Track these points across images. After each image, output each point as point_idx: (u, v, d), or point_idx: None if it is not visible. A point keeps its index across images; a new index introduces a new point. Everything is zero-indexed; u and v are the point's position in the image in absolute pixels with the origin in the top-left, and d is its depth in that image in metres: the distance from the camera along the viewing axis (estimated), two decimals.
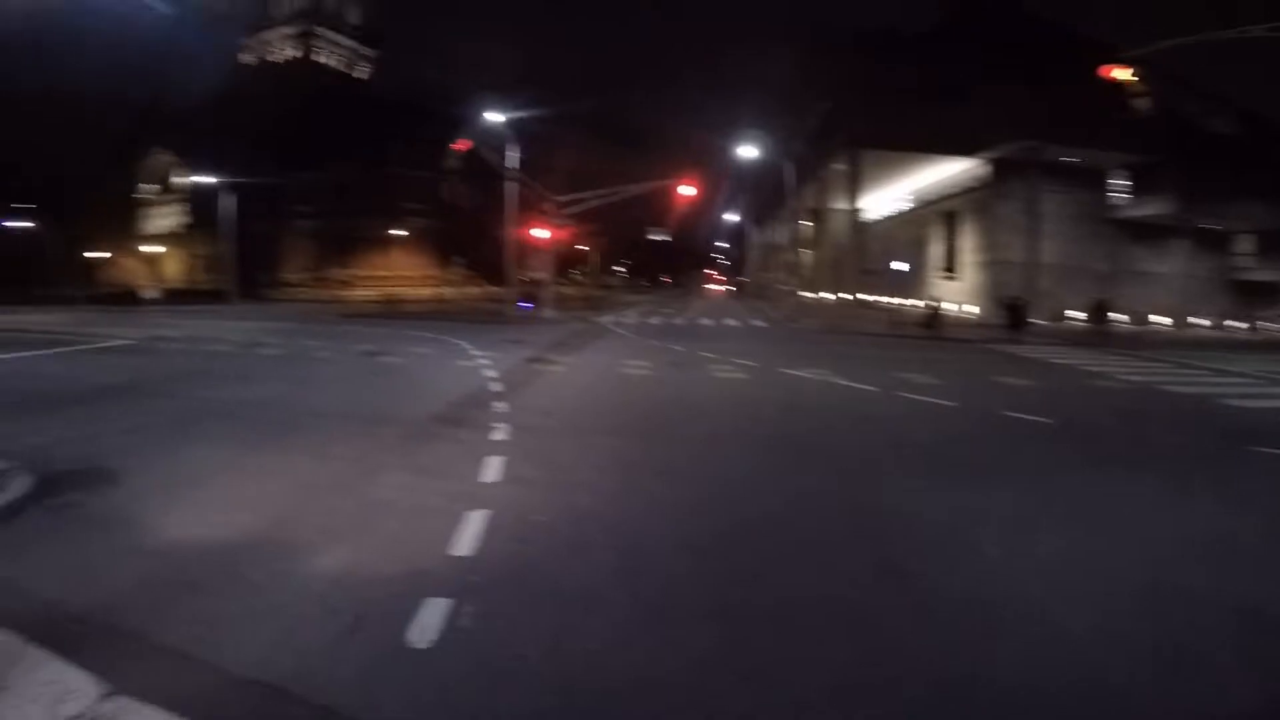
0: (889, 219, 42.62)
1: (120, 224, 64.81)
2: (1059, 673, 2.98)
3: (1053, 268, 28.38)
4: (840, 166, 32.41)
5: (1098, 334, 22.03)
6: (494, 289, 51.66)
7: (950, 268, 34.34)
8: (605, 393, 10.56)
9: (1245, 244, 32.04)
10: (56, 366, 13.96)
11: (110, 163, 64.29)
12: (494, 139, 25.06)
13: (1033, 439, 7.84)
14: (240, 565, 3.98)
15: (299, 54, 68.94)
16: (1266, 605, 3.64)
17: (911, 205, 39.70)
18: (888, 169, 34.29)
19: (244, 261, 59.66)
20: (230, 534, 4.45)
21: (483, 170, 28.83)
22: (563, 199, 27.54)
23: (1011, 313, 19.96)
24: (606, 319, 28.54)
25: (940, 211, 35.58)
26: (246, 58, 70.88)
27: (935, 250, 35.87)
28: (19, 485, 5.18)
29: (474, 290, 55.15)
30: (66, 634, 3.12)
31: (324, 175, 58.24)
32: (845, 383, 11.37)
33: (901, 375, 12.09)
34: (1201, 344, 22.14)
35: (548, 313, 28.37)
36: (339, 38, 73.11)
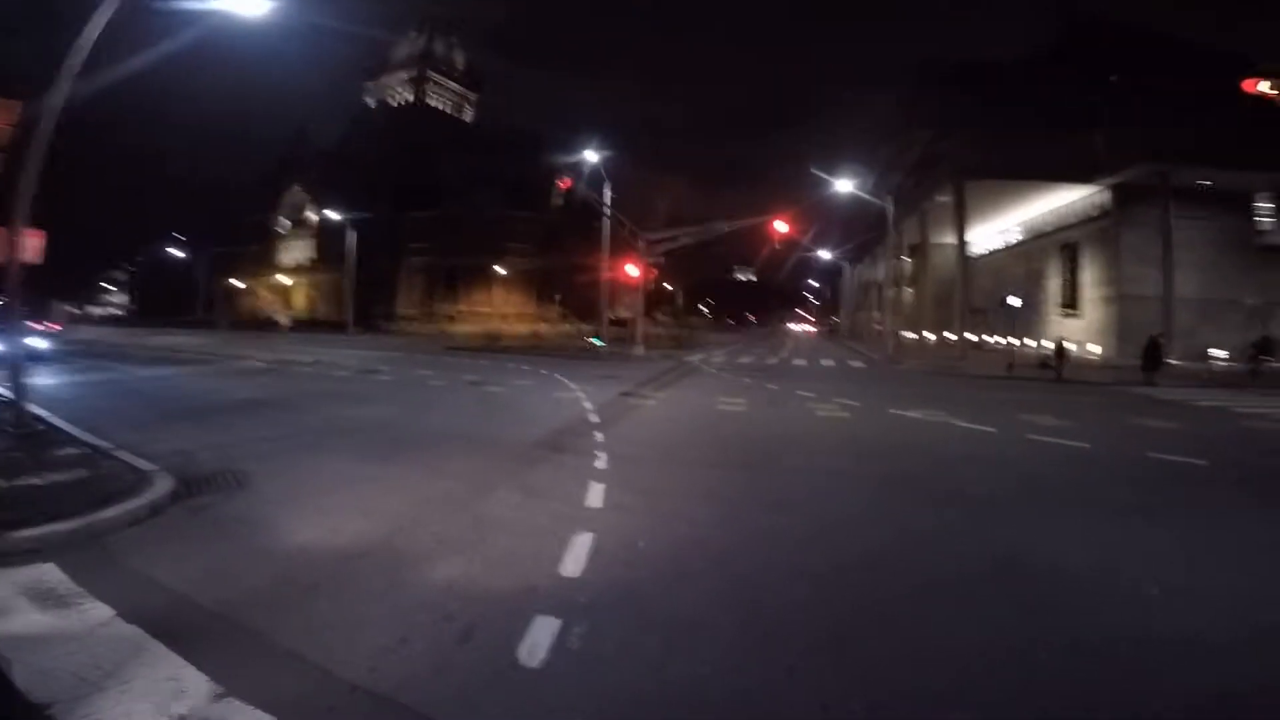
0: (998, 253, 39.86)
1: (258, 256, 72.88)
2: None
3: (1191, 302, 25.35)
4: (944, 199, 30.81)
5: (1249, 374, 19.24)
6: (585, 326, 53.13)
7: (1071, 303, 31.47)
8: (702, 426, 10.40)
9: None
10: (202, 382, 15.75)
11: (253, 199, 73.06)
12: (593, 179, 26.05)
13: (1182, 480, 7.01)
14: (359, 571, 4.16)
15: (412, 97, 75.47)
16: None
17: (1023, 238, 37.05)
18: (995, 200, 32.25)
19: (362, 294, 65.47)
20: (351, 541, 4.70)
21: (580, 209, 29.95)
22: (655, 237, 28.03)
23: (1147, 352, 17.81)
24: (695, 357, 28.43)
25: (1057, 243, 32.92)
26: (369, 101, 78.56)
27: (1052, 285, 33.09)
28: (161, 486, 5.76)
29: (567, 328, 56.94)
30: (191, 631, 3.30)
31: (435, 214, 62.90)
32: (963, 424, 10.50)
33: (1025, 417, 11.07)
34: None
35: (638, 350, 28.67)
36: (447, 81, 79.47)
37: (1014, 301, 22.76)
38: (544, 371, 19.69)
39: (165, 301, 72.26)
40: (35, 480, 5.75)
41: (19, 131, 6.84)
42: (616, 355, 27.47)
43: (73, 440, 7.74)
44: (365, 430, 9.48)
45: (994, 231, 39.55)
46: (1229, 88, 12.39)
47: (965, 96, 28.90)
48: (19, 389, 8.32)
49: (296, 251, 74.01)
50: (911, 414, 11.55)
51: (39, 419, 8.83)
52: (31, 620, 3.32)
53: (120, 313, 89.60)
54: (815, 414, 11.67)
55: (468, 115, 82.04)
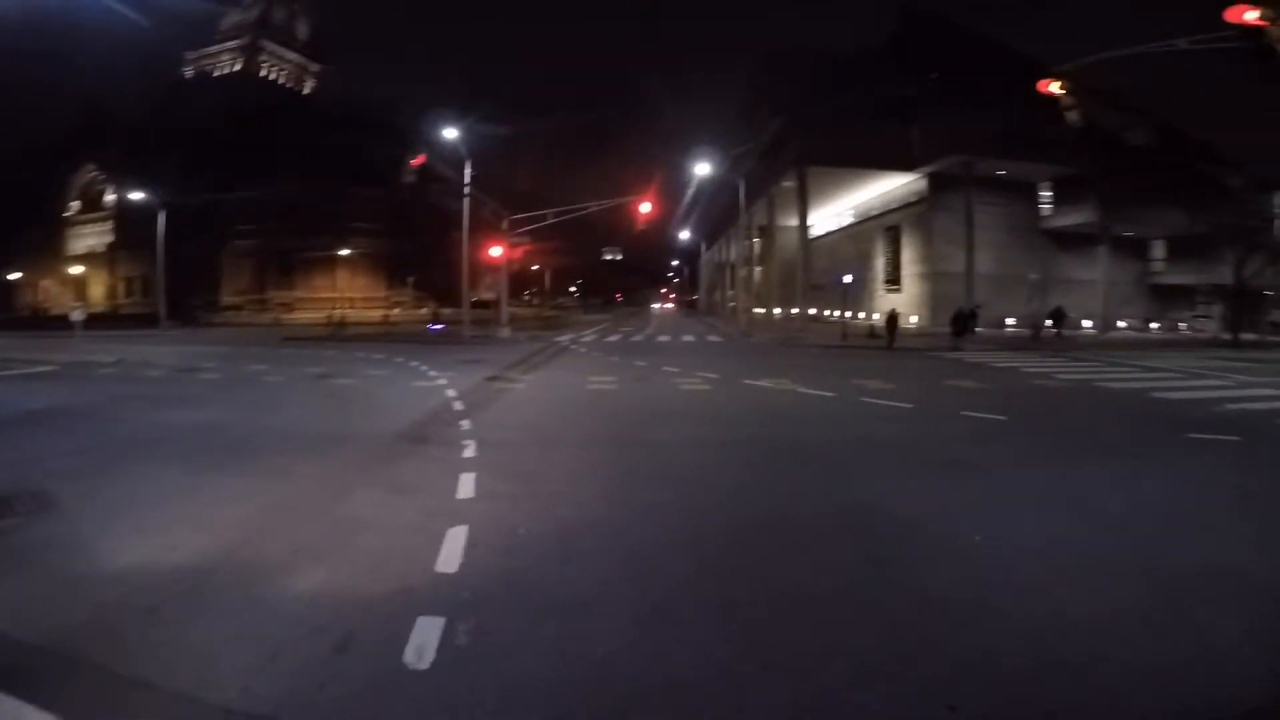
0: (834, 234, 44.26)
1: (42, 244, 60.57)
2: (1053, 633, 3.09)
3: (988, 278, 29.92)
4: (789, 184, 33.27)
5: (1031, 338, 23.26)
6: (445, 310, 50.65)
7: (894, 280, 35.76)
8: (574, 406, 10.47)
9: (1159, 250, 34.72)
10: None
11: (34, 180, 60.36)
12: (448, 156, 24.70)
13: (989, 436, 8.19)
14: (206, 589, 3.69)
15: (242, 68, 66.53)
16: (1227, 561, 3.88)
17: (854, 220, 41.33)
18: (834, 185, 35.47)
19: (176, 283, 56.50)
20: (191, 558, 4.14)
21: (434, 188, 28.25)
22: (518, 216, 27.36)
23: (955, 320, 20.91)
24: (565, 337, 28.38)
25: (883, 225, 37.12)
26: (188, 71, 67.98)
27: (879, 263, 37.29)
28: None
29: (423, 312, 53.90)
30: (21, 669, 2.82)
31: (267, 193, 55.92)
32: (806, 390, 11.66)
33: (858, 382, 12.54)
34: (1127, 345, 23.75)
35: (504, 333, 27.97)
36: (285, 51, 71.10)
37: (847, 278, 25.39)
38: (399, 359, 18.53)
39: None
40: None
41: None
42: (481, 338, 26.60)
43: None
44: (192, 437, 8.29)
45: (831, 214, 43.67)
46: (1027, 87, 13.87)
47: (809, 86, 31.18)
48: None
49: (91, 238, 62.38)
50: (763, 383, 12.64)
51: None
52: None
53: None
54: (680, 388, 12.28)
55: (308, 86, 73.56)
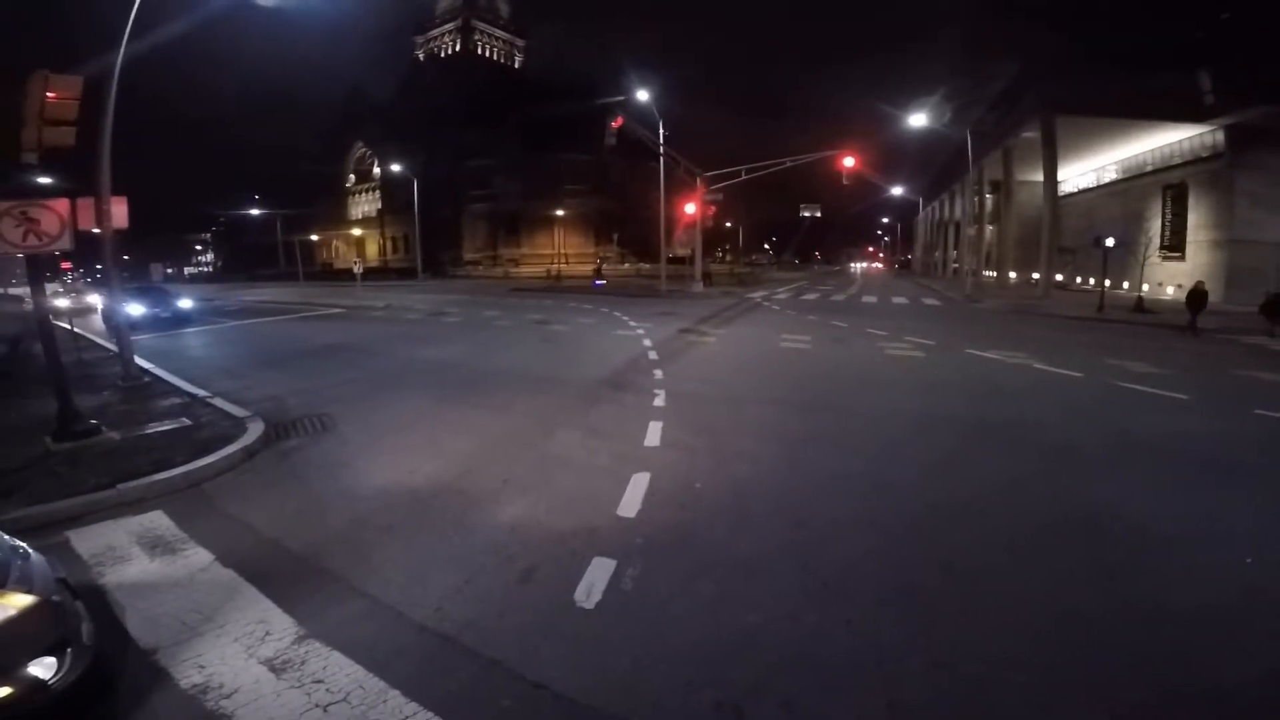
0: (1091, 192, 36.52)
1: (330, 211, 75.74)
2: None
3: None
4: (1030, 134, 28.10)
5: None
6: (644, 265, 52.72)
7: (1175, 246, 28.49)
8: (764, 364, 10.21)
9: None
10: (288, 330, 16.72)
11: (319, 158, 75.54)
12: (647, 117, 25.22)
13: None
14: (431, 512, 4.37)
15: (459, 47, 74.60)
16: None
17: (1121, 177, 33.68)
18: (1087, 137, 29.45)
19: (428, 242, 66.89)
20: (425, 482, 4.96)
21: (636, 150, 29.03)
22: (712, 174, 26.98)
23: (1271, 301, 15.40)
24: (757, 294, 27.76)
25: (1159, 183, 29.71)
26: (419, 55, 78.27)
27: (1152, 227, 30.02)
28: (254, 431, 6.22)
29: (625, 266, 56.71)
30: (279, 574, 3.51)
31: (492, 161, 62.93)
32: (1045, 367, 9.77)
33: (1114, 362, 10.16)
34: None
35: (697, 288, 28.25)
36: (493, 29, 77.84)
37: (1109, 241, 20.66)
38: (604, 310, 19.78)
39: (247, 259, 77.19)
40: (144, 431, 6.31)
41: (84, 105, 7.15)
42: (676, 293, 27.21)
43: (175, 391, 8.44)
44: (439, 370, 9.86)
45: (1086, 169, 36.11)
46: None
47: (1053, 28, 25.70)
48: (124, 345, 9.11)
49: (365, 205, 76.29)
50: (989, 355, 10.85)
51: (145, 371, 9.66)
52: (144, 568, 3.63)
53: (209, 271, 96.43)
54: (885, 353, 11.18)
55: (517, 61, 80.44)
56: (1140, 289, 23.04)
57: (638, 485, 4.58)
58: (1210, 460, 5.33)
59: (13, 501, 4.38)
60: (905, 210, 69.16)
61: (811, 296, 26.99)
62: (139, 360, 10.49)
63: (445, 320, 17.73)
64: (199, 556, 3.73)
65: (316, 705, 2.45)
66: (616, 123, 22.11)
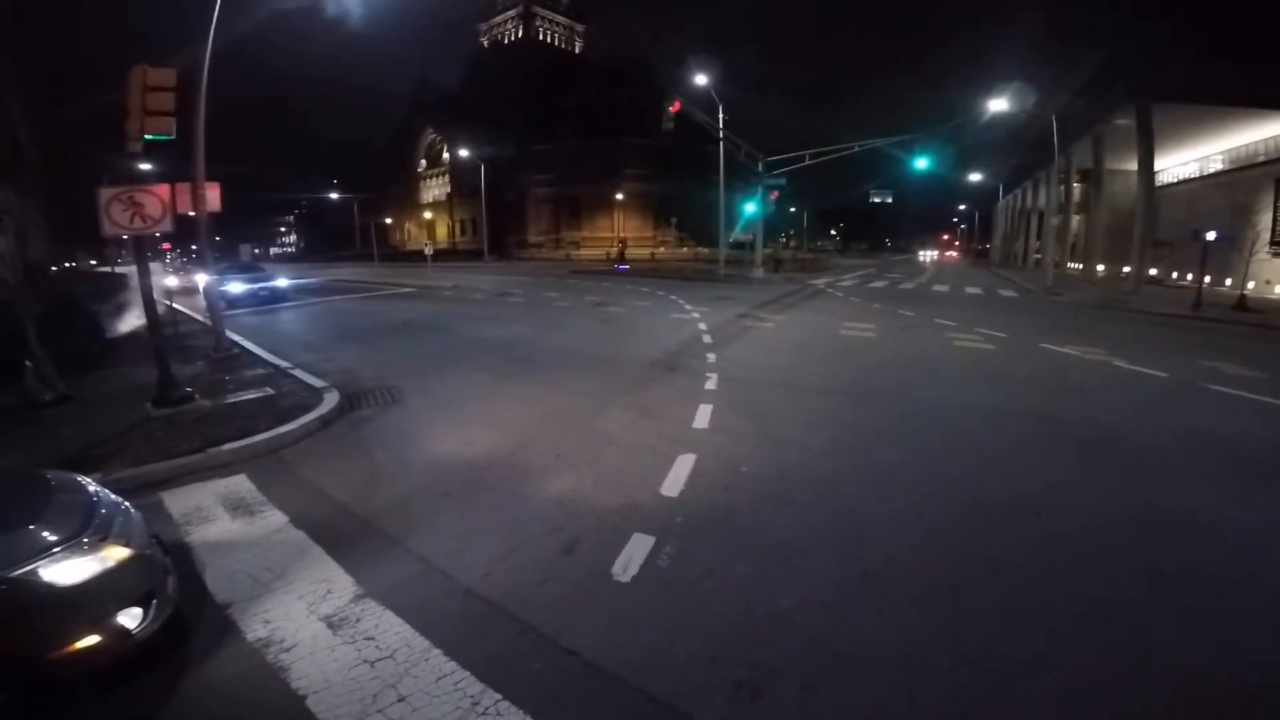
0: (1192, 183, 33.50)
1: (402, 195, 78.83)
2: None
3: None
4: (1123, 121, 25.97)
5: None
6: (703, 249, 52.21)
7: None
8: (821, 351, 10.01)
9: None
10: (362, 307, 17.64)
11: (392, 144, 78.56)
12: (707, 102, 24.82)
13: None
14: (486, 482, 4.63)
15: (522, 33, 75.44)
16: None
17: (1227, 168, 30.74)
18: (1188, 125, 26.98)
19: (495, 225, 68.44)
20: (482, 453, 5.22)
21: (695, 133, 28.58)
22: (773, 158, 26.26)
23: None
24: (821, 281, 27.04)
25: (1271, 175, 26.87)
26: (483, 41, 79.63)
27: (1262, 221, 27.26)
28: (330, 401, 6.66)
29: (684, 251, 56.34)
30: (346, 536, 3.79)
31: (555, 146, 63.67)
32: (1125, 364, 9.08)
33: (1206, 363, 9.30)
34: None
35: (758, 273, 27.77)
36: (554, 15, 78.27)
37: (1210, 235, 18.87)
38: (661, 293, 19.81)
39: (326, 240, 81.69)
40: (232, 399, 6.91)
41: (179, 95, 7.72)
42: (736, 278, 26.89)
43: (260, 362, 9.17)
44: (500, 348, 10.21)
45: (1188, 159, 33.10)
46: None
47: (1145, 13, 23.45)
48: (216, 319, 9.90)
49: (435, 189, 78.93)
50: (1067, 350, 10.19)
51: (235, 344, 10.49)
52: (226, 527, 3.95)
53: (292, 251, 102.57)
54: (953, 344, 10.70)
55: (577, 46, 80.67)
56: (1244, 286, 21.07)
57: (682, 466, 4.64)
58: None
59: (116, 463, 4.85)
60: (984, 198, 65.41)
61: (879, 284, 26.04)
62: (231, 334, 11.41)
63: (509, 300, 18.24)
64: (275, 518, 4.05)
65: (365, 660, 2.67)
66: (674, 107, 21.87)
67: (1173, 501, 4.19)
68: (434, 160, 78.44)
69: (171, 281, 21.50)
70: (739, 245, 38.17)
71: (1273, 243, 26.73)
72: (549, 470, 4.74)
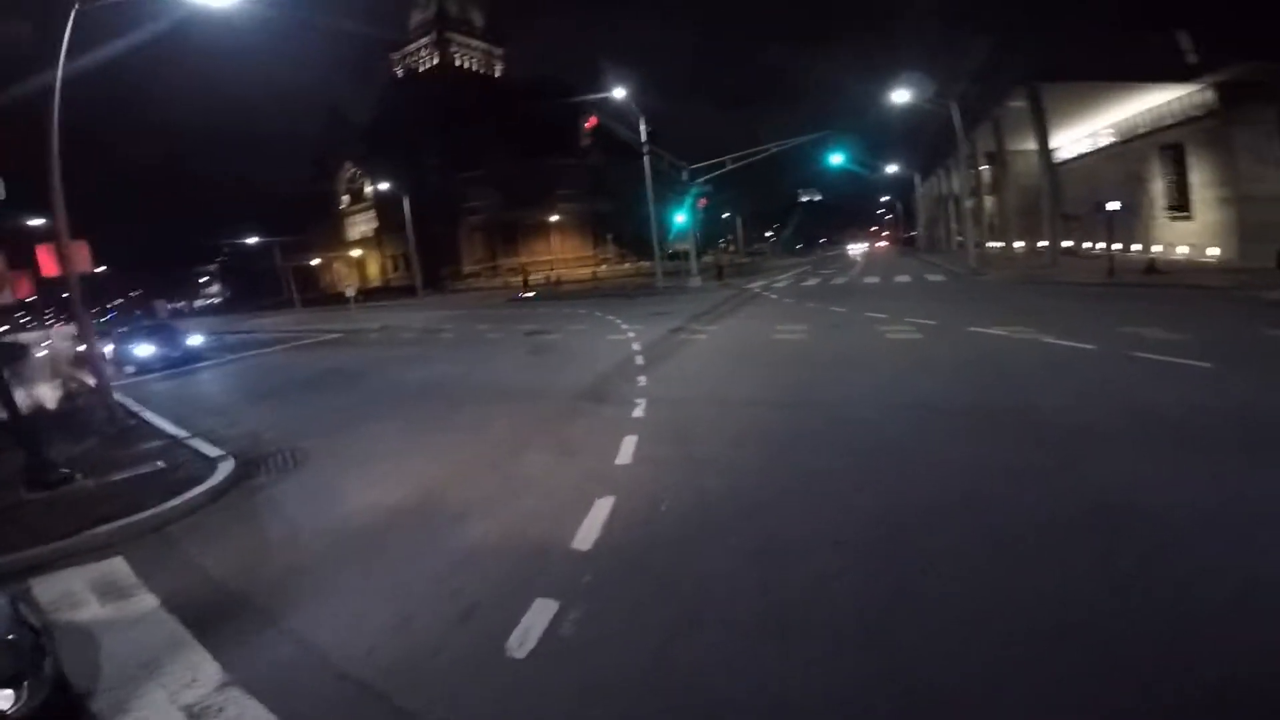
0: (1088, 157, 36.03)
1: (330, 233, 76.01)
2: None
3: None
4: (1017, 104, 27.70)
5: None
6: (645, 263, 52.40)
7: (1180, 206, 27.81)
8: (753, 360, 9.87)
9: None
10: (283, 360, 16.62)
11: (314, 181, 75.95)
12: (629, 116, 24.95)
13: None
14: (386, 544, 4.22)
15: (439, 60, 74.36)
16: None
17: (1117, 140, 33.25)
18: (1078, 103, 28.99)
19: (428, 258, 66.54)
20: (385, 514, 4.76)
21: (625, 149, 28.68)
22: (696, 166, 26.57)
23: None
24: (756, 284, 27.33)
25: (1156, 145, 29.10)
26: (398, 71, 78.14)
27: (1156, 188, 29.43)
28: (224, 471, 6.04)
29: (626, 267, 56.40)
30: (219, 618, 3.45)
31: (483, 172, 62.76)
32: (1053, 340, 9.19)
33: (1129, 330, 9.43)
34: None
35: (694, 282, 27.86)
36: (470, 40, 77.35)
37: (1113, 205, 20.07)
38: (599, 314, 19.51)
39: (253, 288, 77.80)
40: (118, 476, 6.27)
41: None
42: (674, 289, 26.86)
43: (158, 433, 8.39)
44: (422, 393, 9.67)
45: (1081, 135, 35.64)
46: None
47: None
48: (105, 390, 9.00)
49: (361, 225, 76.09)
50: (994, 331, 10.34)
51: (131, 414, 9.58)
52: (94, 613, 3.70)
53: (217, 302, 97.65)
54: (884, 337, 10.73)
55: (497, 70, 79.96)
56: (1150, 250, 22.37)
57: (599, 511, 4.25)
58: (1239, 441, 4.68)
59: None
60: (904, 187, 68.23)
61: (812, 282, 26.51)
62: (130, 402, 10.44)
63: (439, 338, 17.55)
64: (147, 601, 3.75)
65: None
66: (590, 122, 21.84)
67: (1116, 485, 3.99)
68: (356, 196, 75.87)
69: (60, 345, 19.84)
70: (677, 256, 38.44)
71: (1169, 208, 28.62)
72: (456, 526, 4.32)
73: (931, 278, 24.00)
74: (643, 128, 25.21)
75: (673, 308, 19.51)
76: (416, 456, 6.23)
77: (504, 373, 11.00)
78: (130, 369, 16.16)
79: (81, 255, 8.46)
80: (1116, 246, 20.45)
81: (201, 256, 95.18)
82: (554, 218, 59.12)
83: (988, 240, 37.61)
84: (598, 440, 6.01)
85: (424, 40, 74.98)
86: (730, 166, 25.67)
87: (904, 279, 24.26)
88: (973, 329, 10.68)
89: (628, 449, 5.59)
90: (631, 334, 13.81)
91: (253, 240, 58.20)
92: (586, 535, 3.91)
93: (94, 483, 6.07)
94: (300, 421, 8.34)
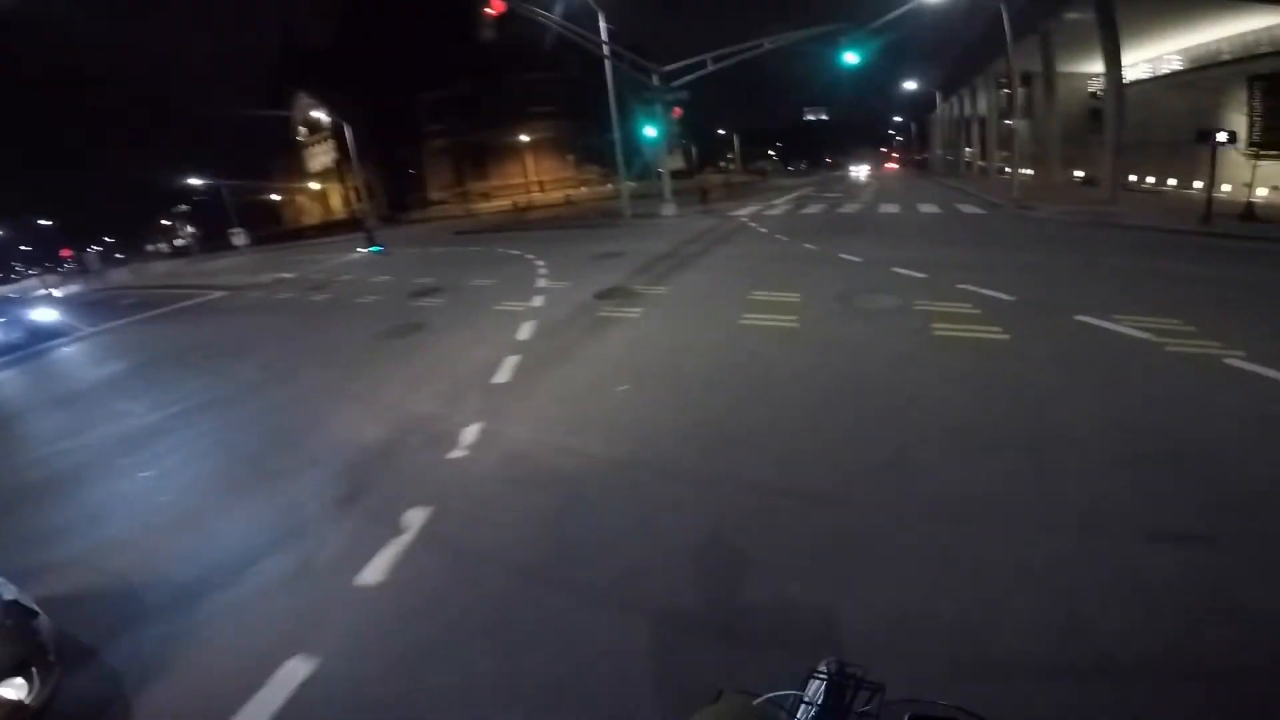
0: (1144, 83, 30.91)
1: (290, 166, 69.18)
2: None
3: None
4: (1076, 16, 22.29)
5: None
6: (633, 184, 46.72)
7: (1272, 144, 22.91)
8: (686, 380, 5.70)
9: None
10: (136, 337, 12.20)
11: (267, 117, 68.36)
12: (587, 19, 19.35)
13: None
14: None
15: None
16: None
17: (1186, 67, 28.21)
18: (1141, 24, 24.24)
19: (393, 186, 60.03)
20: None
21: (600, 62, 22.67)
22: (671, 68, 20.76)
23: None
24: (746, 211, 22.29)
25: (1242, 74, 24.07)
26: None
27: (1236, 122, 24.56)
28: None
29: (608, 188, 50.49)
30: None
31: (448, 93, 55.60)
32: (1247, 365, 4.64)
33: None
34: None
35: (668, 209, 22.73)
36: None
37: (1222, 136, 15.80)
38: (530, 256, 15.15)
39: (223, 227, 71.60)
40: None
41: None
42: (643, 217, 22.03)
43: None
44: (164, 459, 5.61)
45: (1137, 60, 30.63)
46: None
47: None
48: None
49: (322, 156, 68.61)
50: (1124, 329, 5.77)
51: None
52: None
53: (188, 243, 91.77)
54: (931, 335, 6.19)
55: None
56: (1251, 193, 17.97)
57: None
58: None
59: None
60: (919, 108, 61.05)
61: (814, 210, 21.47)
62: None
63: (312, 299, 13.06)
64: None
65: None
66: (496, 8, 15.81)
67: None
68: (313, 126, 68.48)
69: None
70: (676, 174, 33.11)
71: (1256, 144, 23.91)
72: None
73: (967, 209, 18.94)
74: (602, 24, 19.51)
75: (629, 246, 14.88)
76: None
77: (269, 415, 6.67)
78: None
79: None
80: (1172, 183, 15.93)
81: (171, 200, 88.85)
82: (526, 137, 52.57)
83: (1018, 168, 33.26)
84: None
85: None
86: (713, 67, 19.89)
87: (932, 209, 19.23)
88: (1083, 318, 6.19)
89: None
90: (538, 302, 9.46)
91: (194, 181, 51.51)
92: None
93: None
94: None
